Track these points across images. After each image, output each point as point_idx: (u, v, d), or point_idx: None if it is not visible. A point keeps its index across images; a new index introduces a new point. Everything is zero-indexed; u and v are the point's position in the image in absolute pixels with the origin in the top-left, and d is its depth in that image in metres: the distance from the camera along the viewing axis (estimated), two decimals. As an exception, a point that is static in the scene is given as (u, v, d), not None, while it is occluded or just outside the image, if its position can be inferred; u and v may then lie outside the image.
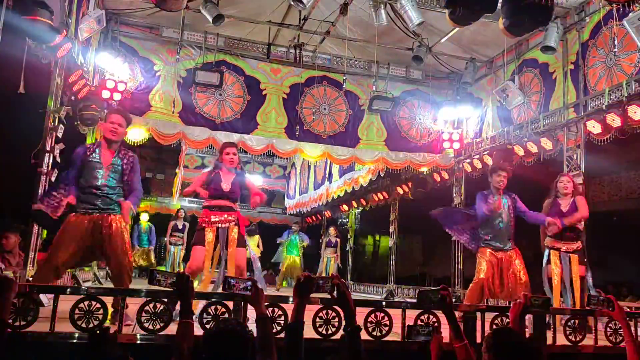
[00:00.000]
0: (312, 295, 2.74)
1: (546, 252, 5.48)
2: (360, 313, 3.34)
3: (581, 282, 5.31)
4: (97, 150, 4.26)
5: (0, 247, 6.09)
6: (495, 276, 5.36)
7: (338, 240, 11.96)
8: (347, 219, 14.77)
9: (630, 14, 5.53)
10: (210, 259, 4.64)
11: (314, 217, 15.90)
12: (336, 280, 2.75)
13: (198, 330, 2.69)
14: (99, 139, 4.47)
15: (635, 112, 5.78)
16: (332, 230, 12.21)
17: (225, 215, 4.69)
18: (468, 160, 8.88)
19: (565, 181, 5.49)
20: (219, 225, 4.66)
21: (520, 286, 5.25)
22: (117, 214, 4.19)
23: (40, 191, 5.82)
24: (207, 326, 2.93)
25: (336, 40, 8.54)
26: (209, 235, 4.62)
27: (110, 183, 4.20)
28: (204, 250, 4.59)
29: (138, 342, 2.98)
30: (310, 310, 3.08)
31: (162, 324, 2.97)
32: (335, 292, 2.73)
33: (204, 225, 4.67)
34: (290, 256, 11.91)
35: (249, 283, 2.81)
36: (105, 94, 7.30)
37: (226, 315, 3.04)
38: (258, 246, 12.18)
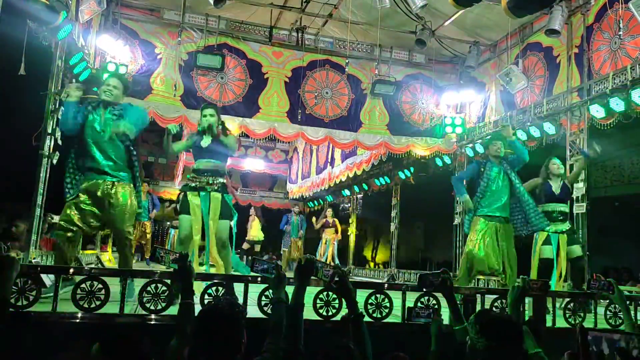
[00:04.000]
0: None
1: (535, 235, 5.55)
2: (361, 295, 3.37)
3: (577, 261, 5.39)
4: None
5: (9, 234, 6.16)
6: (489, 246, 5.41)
7: (335, 220, 11.98)
8: (349, 204, 14.79)
9: (637, -4, 5.47)
10: (200, 229, 4.45)
11: (315, 202, 15.93)
12: (337, 270, 2.78)
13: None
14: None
15: (639, 97, 5.75)
16: (328, 212, 12.24)
17: (209, 179, 4.53)
18: (471, 145, 8.84)
19: (558, 163, 5.70)
20: (201, 190, 4.49)
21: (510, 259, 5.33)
22: None
23: (42, 175, 5.83)
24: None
25: (339, 23, 8.47)
26: (193, 201, 4.46)
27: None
28: (190, 219, 4.44)
29: (140, 322, 3.00)
30: (310, 293, 3.10)
31: (163, 305, 2.99)
32: (335, 281, 2.75)
33: (185, 189, 4.55)
34: (293, 239, 11.97)
35: (272, 265, 2.84)
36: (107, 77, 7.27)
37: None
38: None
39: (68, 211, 4.05)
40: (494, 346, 2.25)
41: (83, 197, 4.08)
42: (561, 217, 5.57)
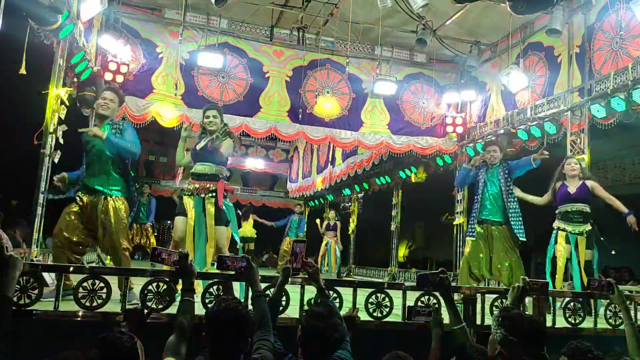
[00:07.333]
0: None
1: (554, 233, 5.55)
2: (362, 294, 3.38)
3: (587, 266, 5.34)
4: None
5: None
6: (483, 252, 5.43)
7: (338, 223, 11.95)
8: (350, 203, 14.79)
9: (638, -4, 5.47)
10: (192, 231, 4.45)
11: (316, 201, 15.94)
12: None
13: (200, 310, 2.73)
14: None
15: (640, 96, 5.75)
16: (331, 213, 12.20)
17: (204, 184, 4.52)
18: (471, 145, 8.85)
19: (573, 163, 5.62)
20: (196, 193, 4.49)
21: (508, 263, 5.32)
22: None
23: (43, 174, 5.83)
24: (209, 305, 2.97)
25: (340, 23, 8.45)
26: (189, 203, 4.48)
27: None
28: (186, 220, 4.45)
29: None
30: (310, 292, 3.12)
31: (164, 303, 3.00)
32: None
33: (182, 193, 4.59)
34: (289, 238, 11.98)
35: (244, 262, 2.88)
36: (108, 76, 7.29)
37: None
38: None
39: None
40: (511, 340, 2.29)
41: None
42: (580, 219, 5.44)
